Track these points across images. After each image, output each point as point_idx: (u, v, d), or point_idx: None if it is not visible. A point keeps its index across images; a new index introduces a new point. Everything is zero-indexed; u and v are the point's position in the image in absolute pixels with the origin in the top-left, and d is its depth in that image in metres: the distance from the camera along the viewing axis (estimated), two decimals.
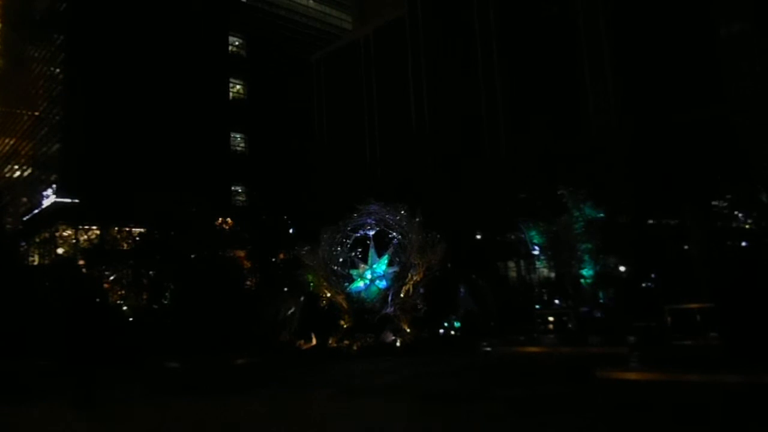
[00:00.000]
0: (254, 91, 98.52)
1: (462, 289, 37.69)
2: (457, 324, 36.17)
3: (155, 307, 43.04)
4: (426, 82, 77.38)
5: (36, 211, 78.85)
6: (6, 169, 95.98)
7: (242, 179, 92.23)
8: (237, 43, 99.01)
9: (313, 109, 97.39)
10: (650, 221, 38.26)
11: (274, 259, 50.09)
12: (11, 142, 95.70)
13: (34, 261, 69.38)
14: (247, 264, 49.20)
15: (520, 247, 49.02)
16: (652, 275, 36.78)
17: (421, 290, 33.29)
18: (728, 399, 12.02)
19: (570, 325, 34.79)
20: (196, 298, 37.40)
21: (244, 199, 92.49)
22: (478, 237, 48.85)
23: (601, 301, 35.98)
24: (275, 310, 35.58)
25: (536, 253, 49.15)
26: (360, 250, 35.43)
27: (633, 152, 43.14)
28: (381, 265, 34.40)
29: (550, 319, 37.65)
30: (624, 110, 54.52)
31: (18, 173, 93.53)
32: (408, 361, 26.65)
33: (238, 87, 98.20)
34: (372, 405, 16.62)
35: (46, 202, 76.98)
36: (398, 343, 31.63)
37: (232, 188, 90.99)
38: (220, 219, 54.97)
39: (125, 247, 53.36)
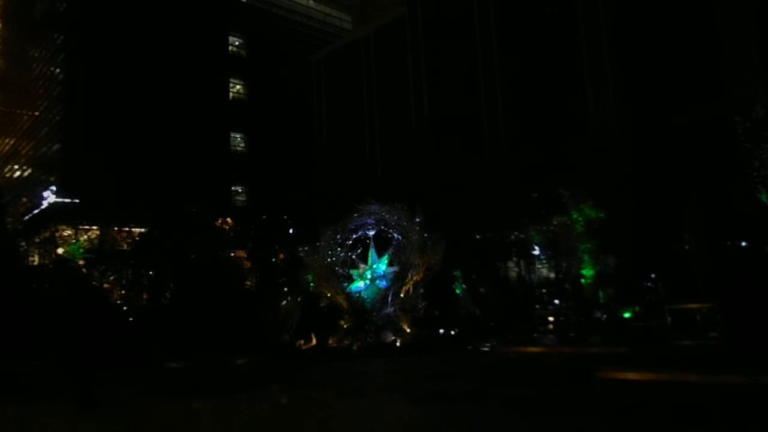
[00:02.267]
0: (254, 91, 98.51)
1: (458, 290, 37.74)
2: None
3: (155, 307, 43.01)
4: (426, 82, 77.37)
5: (36, 211, 78.83)
6: (6, 169, 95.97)
7: (242, 179, 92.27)
8: (237, 43, 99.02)
9: (313, 108, 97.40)
10: (650, 221, 38.25)
11: (274, 259, 50.08)
12: (11, 142, 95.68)
13: (34, 261, 69.38)
14: (247, 264, 49.18)
15: (520, 247, 49.10)
16: (653, 275, 36.78)
17: (421, 290, 33.29)
18: (728, 399, 12.02)
19: (570, 325, 34.84)
20: (197, 298, 37.38)
21: (244, 199, 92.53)
22: (478, 237, 48.84)
23: (601, 301, 35.98)
24: (275, 310, 35.57)
25: (536, 253, 49.24)
26: (360, 250, 35.41)
27: (633, 151, 43.17)
28: (381, 265, 34.40)
29: (550, 319, 37.70)
30: (624, 110, 54.54)
31: (18, 173, 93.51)
32: (408, 361, 26.65)
33: (238, 87, 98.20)
34: (372, 405, 16.62)
35: (46, 202, 76.95)
36: (398, 343, 31.64)
37: (232, 188, 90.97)
38: (220, 219, 54.99)
39: (125, 247, 53.40)
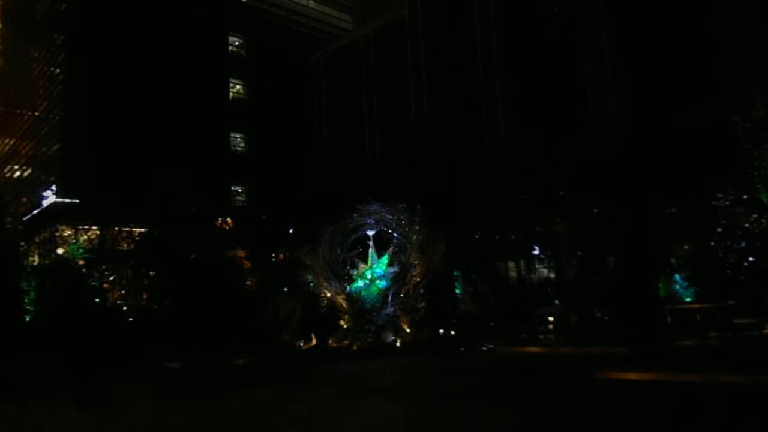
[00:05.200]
0: (254, 91, 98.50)
1: (458, 290, 37.75)
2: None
3: (155, 307, 43.03)
4: (426, 82, 77.36)
5: (36, 211, 78.82)
6: (6, 169, 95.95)
7: (242, 179, 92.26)
8: (237, 43, 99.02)
9: (313, 108, 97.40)
10: (650, 221, 38.28)
11: (274, 259, 50.10)
12: (11, 142, 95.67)
13: (34, 261, 69.36)
14: (247, 264, 49.19)
15: (520, 247, 49.12)
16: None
17: (421, 290, 33.28)
18: (728, 399, 12.01)
19: (570, 325, 34.86)
20: (196, 298, 37.40)
21: (244, 199, 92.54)
22: (478, 237, 48.88)
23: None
24: (275, 310, 35.57)
25: (536, 253, 49.25)
26: (360, 249, 35.39)
27: (632, 151, 43.18)
28: (381, 265, 34.37)
29: (550, 319, 37.71)
30: (624, 110, 54.55)
31: (18, 173, 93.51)
32: (408, 361, 26.65)
33: (238, 87, 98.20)
34: (372, 405, 16.62)
35: (46, 202, 76.97)
36: (398, 343, 31.63)
37: (232, 188, 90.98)
38: (220, 219, 55.01)
39: (125, 247, 53.44)
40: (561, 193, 39.28)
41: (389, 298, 32.88)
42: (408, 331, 32.42)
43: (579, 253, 37.63)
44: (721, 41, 50.57)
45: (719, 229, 34.51)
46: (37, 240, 73.33)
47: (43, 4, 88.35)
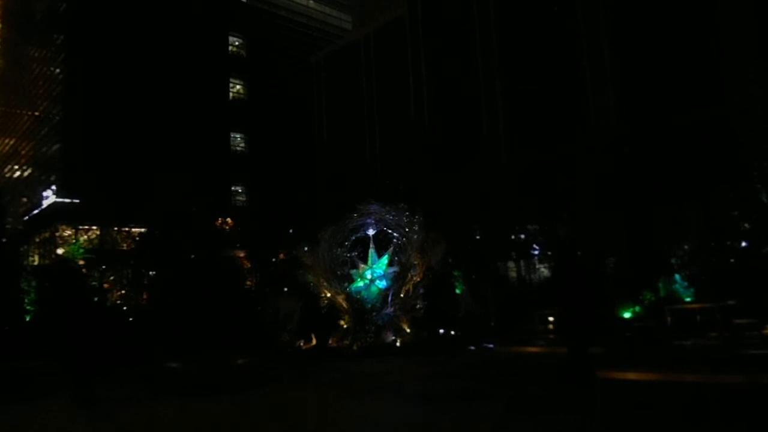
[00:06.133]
0: (254, 91, 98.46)
1: (458, 290, 37.76)
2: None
3: (155, 307, 43.04)
4: (426, 83, 77.36)
5: (36, 211, 78.81)
6: (6, 169, 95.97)
7: (242, 179, 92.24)
8: (237, 43, 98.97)
9: (313, 109, 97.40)
10: (649, 221, 38.29)
11: (274, 259, 50.13)
12: (11, 142, 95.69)
13: (34, 261, 69.39)
14: (247, 264, 49.22)
15: (520, 247, 49.13)
16: (652, 275, 36.78)
17: (421, 290, 33.30)
18: (728, 399, 12.01)
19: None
20: (196, 298, 37.39)
21: (244, 199, 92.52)
22: (478, 237, 48.89)
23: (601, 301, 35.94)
24: (275, 310, 35.56)
25: (536, 253, 49.28)
26: (360, 249, 35.40)
27: (632, 151, 43.21)
28: (381, 265, 34.39)
29: (550, 319, 37.72)
30: (624, 109, 54.54)
31: (18, 173, 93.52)
32: (408, 362, 26.66)
33: (238, 87, 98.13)
34: (372, 405, 16.63)
35: (46, 202, 76.95)
36: (398, 343, 31.64)
37: (232, 188, 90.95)
38: (220, 219, 55.03)
39: (125, 247, 53.51)
40: (561, 192, 39.30)
41: (389, 298, 32.90)
42: (408, 331, 32.44)
43: (579, 253, 37.64)
44: (721, 41, 50.55)
45: (719, 229, 34.54)
46: (37, 240, 73.36)
47: (43, 4, 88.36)
